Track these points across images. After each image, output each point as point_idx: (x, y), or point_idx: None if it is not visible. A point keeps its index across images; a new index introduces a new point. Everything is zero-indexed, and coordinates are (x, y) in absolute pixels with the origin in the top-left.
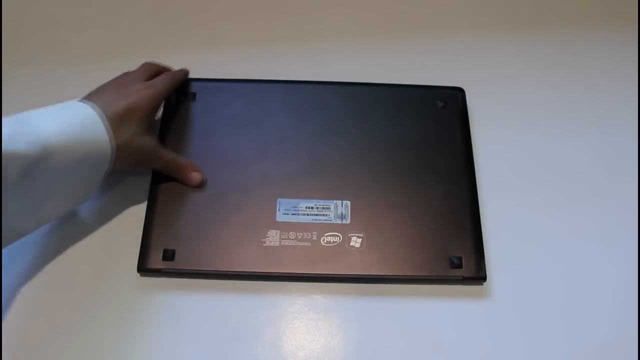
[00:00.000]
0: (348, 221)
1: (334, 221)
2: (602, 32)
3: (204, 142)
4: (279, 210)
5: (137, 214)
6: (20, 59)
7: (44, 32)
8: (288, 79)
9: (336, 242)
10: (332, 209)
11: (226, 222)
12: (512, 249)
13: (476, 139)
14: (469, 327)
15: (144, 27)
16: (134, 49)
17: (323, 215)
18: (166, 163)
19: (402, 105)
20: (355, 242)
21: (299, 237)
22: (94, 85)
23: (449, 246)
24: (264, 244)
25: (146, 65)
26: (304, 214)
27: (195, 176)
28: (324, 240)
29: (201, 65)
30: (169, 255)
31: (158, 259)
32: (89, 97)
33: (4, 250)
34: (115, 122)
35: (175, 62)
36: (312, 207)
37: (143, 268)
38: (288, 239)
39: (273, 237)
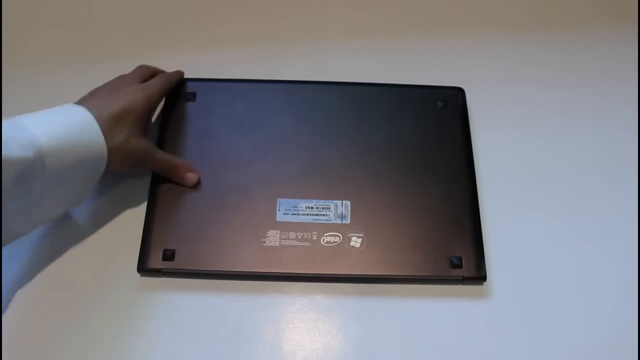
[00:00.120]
0: (348, 221)
1: (334, 221)
2: (602, 32)
3: (204, 142)
4: (279, 210)
5: (137, 214)
6: (20, 59)
7: (44, 32)
8: (288, 79)
9: (336, 242)
10: (332, 209)
11: (226, 222)
12: (512, 249)
13: (476, 139)
14: (469, 327)
15: (144, 27)
16: (134, 49)
17: (323, 215)
18: (161, 164)
19: (402, 105)
20: (355, 242)
21: (299, 237)
22: (94, 85)
23: (449, 246)
24: (264, 244)
25: (141, 68)
26: (304, 214)
27: (191, 177)
28: (324, 240)
29: (201, 65)
30: (168, 255)
31: (158, 259)
32: (84, 100)
33: (3, 250)
34: (110, 124)
35: (175, 62)
36: (312, 207)
37: (143, 268)
38: (288, 239)
39: (273, 237)
